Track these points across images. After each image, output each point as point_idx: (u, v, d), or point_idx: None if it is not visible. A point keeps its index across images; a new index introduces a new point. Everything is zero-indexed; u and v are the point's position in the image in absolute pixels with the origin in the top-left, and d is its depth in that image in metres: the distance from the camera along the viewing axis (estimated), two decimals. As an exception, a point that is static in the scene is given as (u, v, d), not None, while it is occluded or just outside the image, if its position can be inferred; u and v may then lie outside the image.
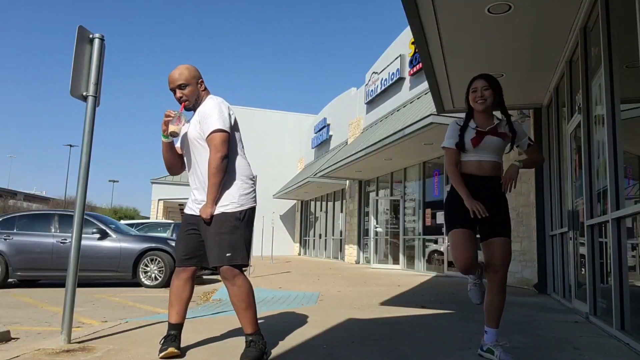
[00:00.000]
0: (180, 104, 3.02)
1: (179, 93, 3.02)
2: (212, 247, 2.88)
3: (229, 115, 2.98)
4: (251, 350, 2.81)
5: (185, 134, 3.05)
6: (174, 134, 2.97)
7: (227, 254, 2.83)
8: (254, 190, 3.08)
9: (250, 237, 3.02)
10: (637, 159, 4.08)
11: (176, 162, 3.18)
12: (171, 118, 2.96)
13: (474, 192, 2.94)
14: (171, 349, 2.89)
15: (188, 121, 3.08)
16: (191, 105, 3.05)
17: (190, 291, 3.10)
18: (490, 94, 3.07)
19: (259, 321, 3.04)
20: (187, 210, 3.12)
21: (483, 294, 3.09)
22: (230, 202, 2.91)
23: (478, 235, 2.99)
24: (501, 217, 2.97)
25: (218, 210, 2.88)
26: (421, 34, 5.16)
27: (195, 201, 3.03)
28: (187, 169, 3.16)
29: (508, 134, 3.06)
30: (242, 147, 3.11)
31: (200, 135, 2.95)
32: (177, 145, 3.18)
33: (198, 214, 2.96)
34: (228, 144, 2.90)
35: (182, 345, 3.13)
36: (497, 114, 3.22)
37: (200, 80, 3.08)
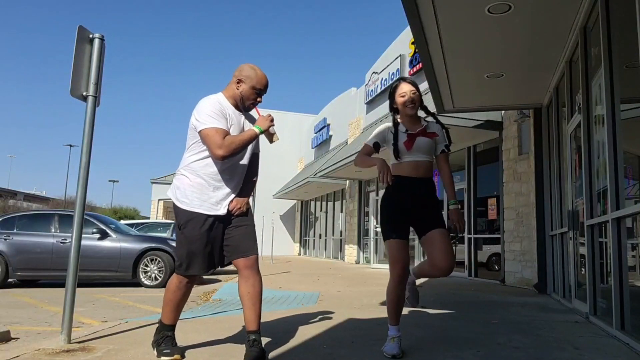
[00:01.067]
0: (252, 106, 3.06)
1: (260, 99, 3.06)
2: (249, 237, 2.99)
3: None
4: (255, 349, 2.78)
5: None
6: (276, 140, 3.06)
7: (256, 245, 2.99)
8: None
9: None
10: (637, 159, 4.08)
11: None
12: (274, 124, 3.03)
13: (411, 193, 3.08)
14: (177, 356, 2.90)
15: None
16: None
17: (190, 292, 3.10)
18: (418, 97, 3.17)
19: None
20: (209, 211, 2.93)
21: (418, 295, 3.37)
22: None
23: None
24: (434, 214, 3.10)
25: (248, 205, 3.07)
26: (421, 34, 5.16)
27: (225, 199, 2.96)
28: (226, 167, 2.97)
29: (437, 133, 3.20)
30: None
31: (253, 146, 3.10)
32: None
33: (223, 212, 2.95)
34: None
35: (183, 345, 3.14)
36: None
37: None
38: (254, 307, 2.87)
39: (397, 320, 3.11)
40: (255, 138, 2.96)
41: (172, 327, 3.05)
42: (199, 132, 2.87)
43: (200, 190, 2.93)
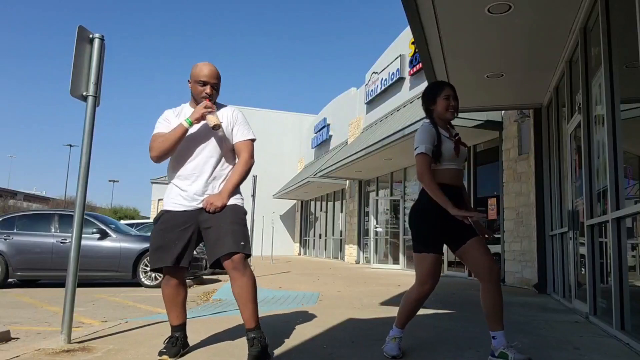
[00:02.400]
0: (205, 99, 3.02)
1: (209, 90, 3.02)
2: (225, 235, 2.86)
3: None
4: (255, 348, 2.80)
5: (204, 130, 3.02)
6: (217, 127, 2.94)
7: (242, 243, 2.88)
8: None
9: None
10: (637, 159, 4.08)
11: (174, 151, 3.02)
12: (212, 110, 2.97)
13: (453, 202, 2.87)
14: (164, 357, 2.90)
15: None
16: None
17: (184, 292, 3.09)
18: (456, 104, 3.03)
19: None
20: (173, 207, 2.98)
21: (400, 348, 3.02)
22: (240, 198, 3.06)
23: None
24: (469, 224, 2.94)
25: (231, 201, 2.97)
26: (421, 34, 5.16)
27: (197, 194, 2.96)
28: (183, 159, 3.00)
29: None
30: None
31: (229, 136, 3.06)
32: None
33: (195, 207, 2.94)
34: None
35: (182, 345, 3.14)
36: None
37: (220, 85, 3.15)
38: (248, 306, 2.87)
39: (404, 324, 3.07)
40: (184, 131, 2.94)
41: (178, 328, 3.05)
42: None
43: (170, 189, 3.07)
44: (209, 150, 3.02)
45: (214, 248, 2.88)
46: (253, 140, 3.11)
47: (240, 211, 2.98)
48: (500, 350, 2.77)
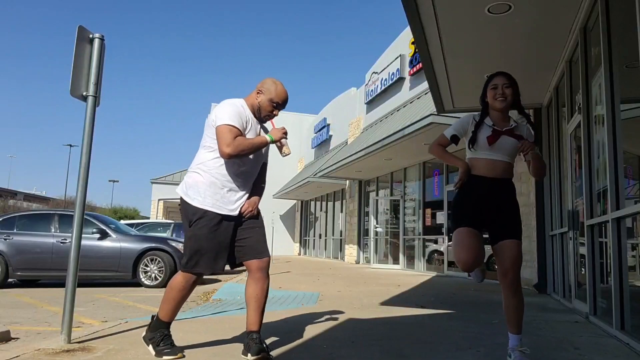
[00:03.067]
0: (269, 118, 3.14)
1: (277, 112, 3.12)
2: (262, 239, 3.05)
3: None
4: (260, 346, 2.84)
5: (263, 150, 3.14)
6: (287, 154, 3.13)
7: (268, 248, 3.07)
8: None
9: None
10: (637, 159, 4.08)
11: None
12: (287, 138, 3.08)
13: (484, 194, 2.87)
14: (180, 354, 2.93)
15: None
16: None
17: (191, 293, 3.14)
18: (510, 92, 2.94)
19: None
20: (221, 210, 2.95)
21: (484, 273, 3.07)
22: None
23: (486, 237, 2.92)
24: (511, 220, 2.87)
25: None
26: (421, 34, 5.16)
27: (239, 201, 3.02)
28: (236, 166, 3.02)
29: (524, 136, 2.94)
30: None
31: (266, 155, 3.22)
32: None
33: (235, 212, 3.00)
34: None
35: (183, 345, 3.14)
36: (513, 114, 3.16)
37: None
38: (259, 310, 2.93)
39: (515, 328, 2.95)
40: (264, 145, 3.02)
41: (169, 325, 3.04)
42: (216, 128, 2.92)
43: (214, 189, 2.96)
44: (256, 169, 3.16)
45: (254, 248, 3.00)
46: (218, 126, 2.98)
47: (263, 220, 3.17)
48: (509, 351, 2.88)
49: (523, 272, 8.10)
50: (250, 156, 3.03)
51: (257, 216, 3.09)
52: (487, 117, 2.99)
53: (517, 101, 3.02)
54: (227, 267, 3.14)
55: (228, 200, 2.98)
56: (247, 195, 3.09)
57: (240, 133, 2.93)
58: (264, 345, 2.87)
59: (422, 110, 10.47)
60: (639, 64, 3.42)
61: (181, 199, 3.02)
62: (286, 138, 3.09)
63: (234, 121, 2.91)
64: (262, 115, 3.10)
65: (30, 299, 6.90)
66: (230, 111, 2.93)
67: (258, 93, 3.07)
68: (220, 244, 2.94)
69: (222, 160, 2.97)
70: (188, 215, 2.96)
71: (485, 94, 3.02)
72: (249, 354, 2.81)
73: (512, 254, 2.81)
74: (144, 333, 3.08)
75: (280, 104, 3.08)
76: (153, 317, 3.07)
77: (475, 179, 2.90)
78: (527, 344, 3.51)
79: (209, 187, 2.95)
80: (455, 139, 2.98)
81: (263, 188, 3.26)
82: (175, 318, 3.10)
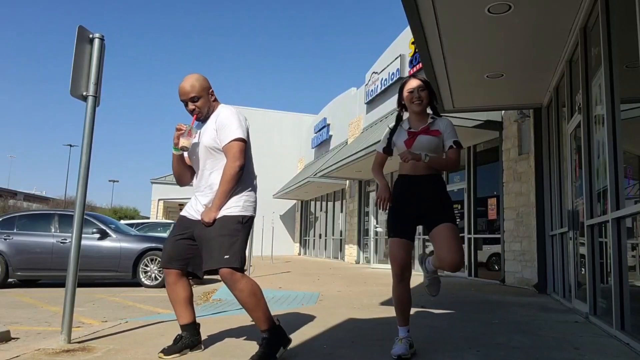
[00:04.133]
0: (192, 115, 3.02)
1: (191, 105, 3.01)
2: (212, 249, 2.83)
3: (246, 125, 3.03)
4: (258, 351, 2.85)
5: (198, 142, 3.03)
6: (185, 149, 2.97)
7: (225, 257, 2.80)
8: (256, 201, 3.09)
9: (246, 246, 2.97)
10: (637, 159, 4.08)
11: (186, 173, 3.16)
12: (182, 131, 2.95)
13: (409, 191, 3.05)
14: (160, 354, 2.96)
15: (197, 132, 3.07)
16: (202, 117, 3.05)
17: (186, 290, 3.09)
18: (426, 95, 3.12)
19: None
20: (184, 213, 3.12)
21: (439, 285, 3.35)
22: (235, 205, 2.92)
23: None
24: (442, 209, 3.02)
25: (221, 213, 2.88)
26: (421, 34, 5.16)
27: (197, 205, 3.03)
28: (195, 174, 3.15)
29: (442, 130, 3.11)
30: (251, 156, 3.12)
31: (216, 143, 2.95)
32: (185, 155, 3.13)
33: (197, 218, 2.95)
34: (245, 153, 2.93)
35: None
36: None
37: (210, 91, 3.07)
38: (251, 314, 2.92)
39: (404, 321, 3.10)
40: (176, 158, 3.09)
41: (184, 327, 3.09)
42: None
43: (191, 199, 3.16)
44: (202, 164, 3.04)
45: (203, 261, 2.90)
46: (239, 139, 2.90)
47: (229, 221, 2.87)
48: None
49: (523, 272, 8.11)
50: (198, 162, 3.07)
51: (211, 224, 2.87)
52: (405, 122, 3.19)
53: (432, 102, 3.21)
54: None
55: (191, 204, 3.10)
56: (209, 198, 2.98)
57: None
58: (268, 350, 2.86)
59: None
60: (639, 64, 3.42)
61: None
62: (179, 134, 2.93)
63: None
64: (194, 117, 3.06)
65: (30, 299, 6.90)
66: None
67: None
68: (172, 239, 3.05)
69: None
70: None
71: (402, 98, 3.19)
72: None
73: (446, 238, 2.94)
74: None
75: (183, 99, 3.01)
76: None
77: (400, 179, 3.12)
78: (527, 344, 3.51)
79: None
80: (388, 151, 3.21)
81: (224, 179, 2.89)
82: (174, 319, 3.14)
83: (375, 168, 3.28)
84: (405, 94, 3.15)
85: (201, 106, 3.00)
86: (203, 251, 2.89)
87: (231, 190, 2.89)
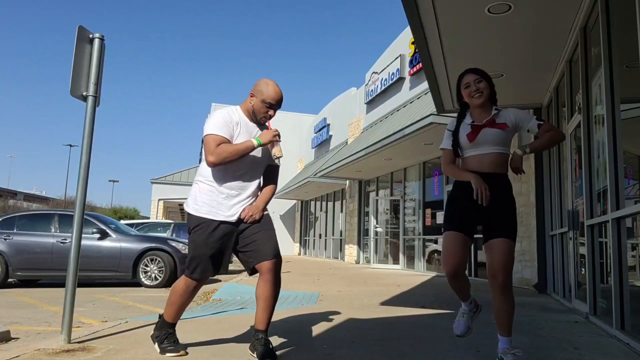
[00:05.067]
0: (265, 120, 3.08)
1: (272, 112, 3.06)
2: (269, 240, 3.00)
3: None
4: (266, 348, 2.87)
5: (260, 153, 3.08)
6: (279, 157, 3.05)
7: (278, 249, 3.03)
8: None
9: None
10: (637, 159, 4.08)
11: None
12: (280, 140, 3.02)
13: (471, 188, 2.77)
14: (183, 352, 2.99)
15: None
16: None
17: (195, 296, 3.18)
18: (485, 85, 2.92)
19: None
20: (218, 217, 2.98)
21: (468, 327, 2.99)
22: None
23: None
24: (502, 217, 2.76)
25: (265, 211, 3.12)
26: (421, 34, 5.16)
27: (236, 206, 3.02)
28: (232, 171, 3.03)
29: (509, 123, 2.89)
30: None
31: (270, 156, 3.10)
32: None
33: (234, 219, 3.00)
34: None
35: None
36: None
37: None
38: (269, 310, 2.95)
39: (464, 297, 3.01)
40: (251, 148, 2.96)
41: (174, 325, 3.11)
42: (203, 139, 2.99)
43: (210, 196, 3.00)
44: (257, 172, 3.12)
45: (261, 251, 2.97)
46: (204, 137, 3.02)
47: (270, 219, 3.14)
48: (500, 354, 2.77)
49: (523, 272, 8.10)
50: (248, 160, 3.02)
51: (259, 220, 3.04)
52: (467, 116, 2.97)
53: (493, 93, 3.01)
54: (231, 267, 3.15)
55: (225, 206, 3.00)
56: (248, 200, 3.06)
57: (226, 140, 2.95)
58: (269, 347, 2.88)
59: (422, 110, 10.47)
60: (639, 64, 3.42)
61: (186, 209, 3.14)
62: (279, 140, 3.03)
63: (218, 130, 2.94)
64: (259, 118, 3.06)
65: (30, 299, 6.90)
66: (215, 121, 2.98)
67: (251, 96, 3.06)
68: (217, 250, 2.98)
69: (220, 170, 3.00)
70: (189, 224, 3.07)
71: (461, 95, 2.99)
72: (255, 354, 2.88)
73: (500, 254, 2.71)
74: (151, 332, 3.14)
75: (273, 104, 3.03)
76: (160, 316, 3.13)
77: None
78: (527, 343, 3.51)
79: (206, 195, 3.00)
80: (454, 145, 2.95)
81: (272, 189, 3.19)
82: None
83: (447, 167, 2.98)
84: (462, 90, 2.95)
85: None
86: (261, 241, 2.99)
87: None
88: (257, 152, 3.04)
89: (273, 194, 3.19)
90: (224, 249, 3.00)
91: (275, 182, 3.22)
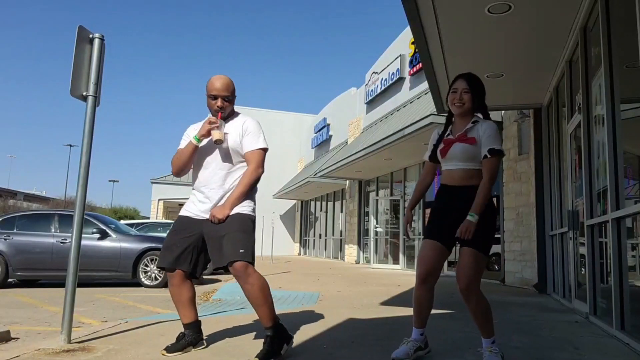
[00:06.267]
0: (216, 112, 3.09)
1: (220, 102, 3.07)
2: (225, 244, 2.91)
3: None
4: (262, 349, 2.88)
5: (213, 143, 3.09)
6: (220, 142, 3.00)
7: (241, 250, 2.89)
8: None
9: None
10: (637, 159, 4.08)
11: (189, 165, 3.18)
12: (216, 125, 3.02)
13: (447, 201, 2.88)
14: (162, 352, 3.00)
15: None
16: (222, 118, 3.13)
17: (190, 290, 3.15)
18: (469, 98, 2.84)
19: (259, 322, 3.05)
20: (186, 213, 3.13)
21: (408, 355, 2.90)
22: (247, 206, 3.07)
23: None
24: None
25: (235, 210, 3.00)
26: (421, 34, 5.16)
27: (202, 204, 3.06)
28: (198, 170, 3.13)
29: (477, 138, 2.81)
30: None
31: (239, 146, 3.07)
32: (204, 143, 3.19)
33: (204, 217, 3.03)
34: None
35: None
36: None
37: (235, 95, 3.20)
38: (257, 310, 2.96)
39: (418, 322, 2.99)
40: (193, 148, 3.07)
41: (187, 326, 3.14)
42: None
43: (191, 197, 3.19)
44: (217, 163, 3.10)
45: (216, 257, 2.96)
46: (263, 149, 3.11)
47: (244, 219, 3.00)
48: (480, 351, 2.87)
49: (523, 272, 8.11)
50: (204, 155, 3.10)
51: (224, 220, 2.96)
52: (451, 126, 2.96)
53: (482, 106, 2.91)
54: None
55: (198, 203, 3.10)
56: (219, 196, 3.05)
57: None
58: (272, 348, 2.89)
59: (422, 110, 10.48)
60: (639, 64, 3.42)
61: None
62: (216, 124, 3.00)
63: (180, 144, 3.19)
64: (213, 112, 3.11)
65: (30, 299, 6.90)
66: (181, 139, 3.23)
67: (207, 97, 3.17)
68: (177, 241, 3.05)
69: (192, 172, 3.19)
70: None
71: (447, 99, 2.95)
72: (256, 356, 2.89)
73: (463, 262, 2.75)
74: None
75: (215, 94, 3.06)
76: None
77: (441, 187, 2.95)
78: (527, 343, 3.51)
79: (190, 197, 3.20)
80: (435, 158, 3.00)
81: (246, 180, 3.03)
82: (174, 318, 3.15)
83: (420, 179, 3.12)
84: (449, 93, 2.91)
85: (227, 107, 3.12)
86: (216, 247, 2.95)
87: (247, 194, 3.07)
88: (206, 144, 3.09)
89: (246, 184, 3.02)
90: (183, 243, 3.03)
91: (249, 170, 3.05)
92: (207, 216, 3.02)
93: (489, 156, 2.78)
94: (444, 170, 2.94)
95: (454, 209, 2.83)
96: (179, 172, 3.14)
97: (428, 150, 3.05)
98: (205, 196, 3.08)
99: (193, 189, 3.18)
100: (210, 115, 3.11)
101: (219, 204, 3.03)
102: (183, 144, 3.16)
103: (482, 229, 2.75)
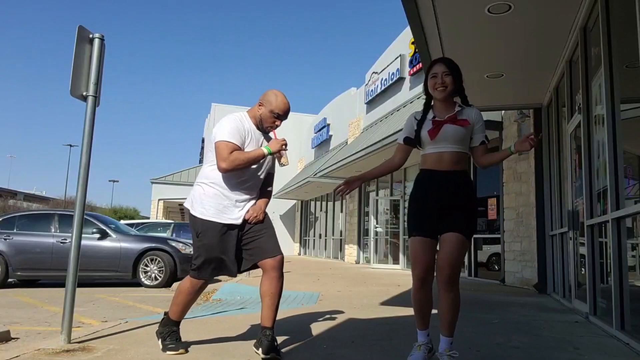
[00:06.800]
0: (271, 129, 3.19)
1: (279, 123, 3.18)
2: (271, 239, 3.13)
3: None
4: (269, 343, 2.92)
5: (265, 160, 3.20)
6: (284, 164, 3.20)
7: (280, 247, 3.13)
8: None
9: None
10: (637, 159, 4.08)
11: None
12: (287, 149, 3.15)
13: (435, 188, 2.75)
14: (182, 350, 3.04)
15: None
16: None
17: (200, 294, 3.26)
18: (451, 80, 2.80)
19: (259, 322, 3.07)
20: (224, 220, 3.05)
21: (425, 359, 2.82)
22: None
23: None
24: (459, 213, 2.72)
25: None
26: (421, 34, 5.16)
27: (238, 210, 3.11)
28: (241, 177, 3.11)
29: (470, 121, 2.80)
30: None
31: (272, 165, 3.32)
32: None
33: (240, 222, 3.09)
34: None
35: (182, 345, 3.15)
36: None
37: None
38: (273, 307, 3.02)
39: (423, 324, 2.88)
40: (261, 157, 3.08)
41: (178, 323, 3.17)
42: (214, 144, 3.05)
43: (216, 200, 3.07)
44: (259, 179, 3.22)
45: (265, 249, 3.07)
46: (216, 142, 3.09)
47: (271, 221, 3.27)
48: (437, 354, 2.77)
49: (523, 272, 8.10)
50: (253, 167, 3.12)
51: (262, 220, 3.16)
52: (431, 111, 2.89)
53: (460, 89, 2.89)
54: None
55: (230, 210, 3.09)
56: (251, 202, 3.18)
57: (238, 147, 3.03)
58: (275, 344, 2.94)
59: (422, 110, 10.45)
60: (639, 64, 3.42)
61: (188, 211, 3.16)
62: (285, 149, 3.16)
63: (231, 137, 3.01)
64: (265, 127, 3.17)
65: (30, 299, 6.90)
66: (228, 127, 3.05)
67: (260, 105, 3.15)
68: (225, 252, 3.05)
69: (227, 175, 3.07)
70: (195, 227, 3.10)
71: (426, 84, 2.89)
72: (260, 350, 2.92)
73: (449, 247, 2.66)
74: (152, 331, 3.21)
75: (281, 115, 3.14)
76: (165, 313, 3.21)
77: (424, 173, 2.83)
78: (527, 343, 3.51)
79: (212, 199, 3.07)
80: (410, 141, 2.89)
81: (270, 192, 3.33)
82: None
83: (389, 159, 2.97)
84: (429, 80, 2.84)
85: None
86: (264, 240, 3.10)
87: None
88: (263, 161, 3.16)
89: (270, 196, 3.33)
90: (229, 250, 3.06)
91: (271, 186, 3.37)
92: (240, 220, 3.09)
93: (486, 142, 2.86)
94: (429, 154, 2.81)
95: (445, 193, 2.74)
96: (234, 170, 3.02)
97: (404, 133, 2.92)
98: (242, 202, 3.13)
99: (225, 191, 3.07)
100: (275, 133, 3.21)
101: (247, 207, 3.14)
102: (237, 141, 3.02)
103: (471, 214, 2.76)
